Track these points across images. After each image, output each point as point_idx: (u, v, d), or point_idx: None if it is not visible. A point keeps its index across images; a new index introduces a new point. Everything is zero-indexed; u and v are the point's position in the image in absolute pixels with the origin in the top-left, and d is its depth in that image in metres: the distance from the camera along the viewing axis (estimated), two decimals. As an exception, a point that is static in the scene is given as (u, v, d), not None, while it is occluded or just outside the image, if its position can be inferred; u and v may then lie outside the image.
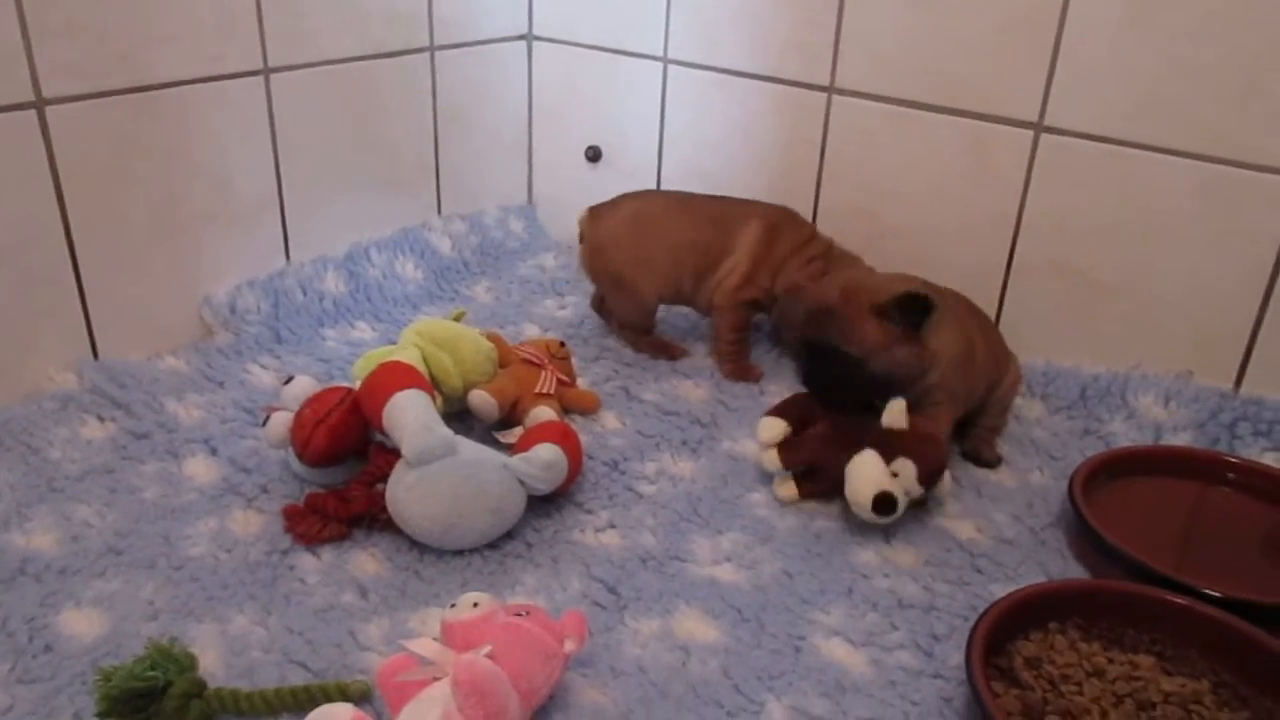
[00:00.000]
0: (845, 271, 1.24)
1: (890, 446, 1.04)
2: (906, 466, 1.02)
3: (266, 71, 1.32)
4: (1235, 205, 1.17)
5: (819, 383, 1.13)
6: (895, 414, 1.07)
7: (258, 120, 1.33)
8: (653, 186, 1.62)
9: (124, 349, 1.26)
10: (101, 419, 1.15)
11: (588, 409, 1.24)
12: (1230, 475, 1.12)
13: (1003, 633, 0.86)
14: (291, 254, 1.43)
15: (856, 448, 1.04)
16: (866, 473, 1.02)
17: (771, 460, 1.09)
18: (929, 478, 1.04)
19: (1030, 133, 1.27)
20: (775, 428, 1.09)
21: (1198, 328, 1.23)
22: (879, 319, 1.07)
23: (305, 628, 0.88)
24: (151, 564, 0.95)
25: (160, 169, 1.24)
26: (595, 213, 1.38)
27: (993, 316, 1.36)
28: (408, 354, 1.13)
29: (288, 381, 1.11)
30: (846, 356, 1.08)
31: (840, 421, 1.09)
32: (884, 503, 1.00)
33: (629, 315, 1.40)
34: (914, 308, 1.07)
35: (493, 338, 1.23)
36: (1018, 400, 1.29)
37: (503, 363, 1.21)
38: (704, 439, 1.21)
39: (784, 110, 1.45)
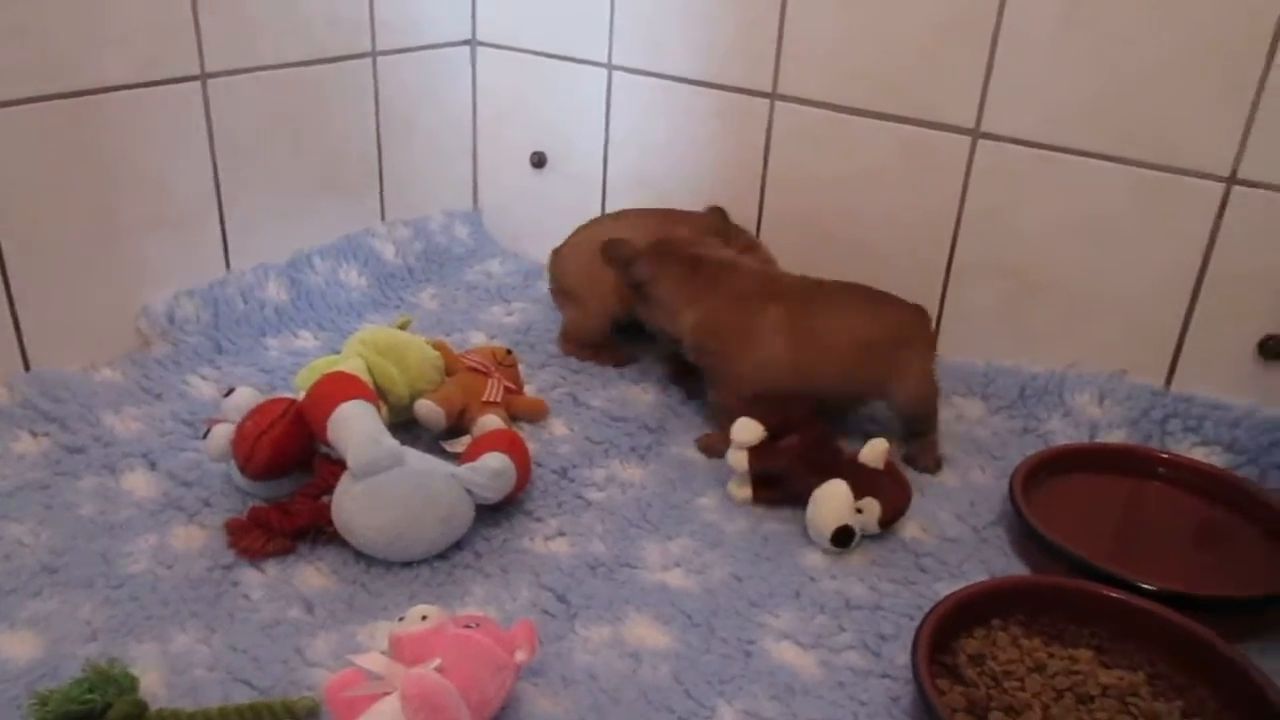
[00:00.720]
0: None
1: (861, 481, 1.05)
2: (873, 506, 1.04)
3: (204, 77, 1.29)
4: (1164, 208, 1.20)
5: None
6: (875, 453, 1.07)
7: (196, 126, 1.31)
8: (597, 192, 1.63)
9: (58, 360, 1.22)
10: (34, 434, 1.12)
11: (536, 416, 1.24)
12: (1162, 470, 1.15)
13: (947, 631, 0.87)
14: (232, 262, 1.40)
15: (826, 473, 1.06)
16: (834, 504, 1.03)
17: (740, 461, 1.09)
18: (889, 522, 1.05)
19: (968, 138, 1.29)
20: (753, 431, 1.08)
21: (1131, 327, 1.27)
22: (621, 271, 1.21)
23: (250, 645, 0.86)
24: (89, 583, 0.92)
25: (95, 175, 1.21)
26: (555, 251, 1.43)
27: (934, 318, 1.38)
28: (352, 363, 1.12)
29: (229, 393, 1.09)
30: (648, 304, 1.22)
31: (815, 441, 1.10)
32: (843, 536, 1.02)
33: (581, 330, 1.40)
34: (615, 260, 1.19)
35: (439, 346, 1.22)
36: (958, 399, 1.32)
37: (449, 371, 1.21)
38: (652, 444, 1.21)
39: (727, 116, 1.46)
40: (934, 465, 1.20)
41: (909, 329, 1.20)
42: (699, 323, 1.19)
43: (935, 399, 1.21)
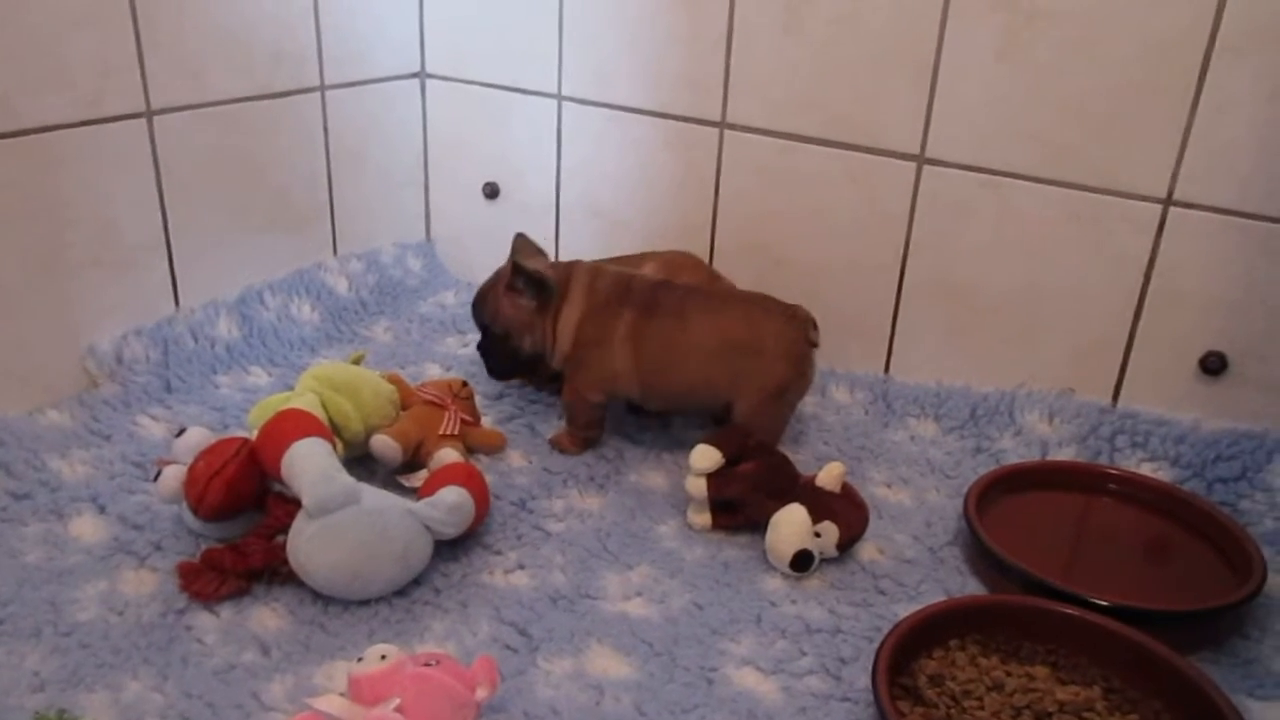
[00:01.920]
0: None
1: (819, 505, 1.06)
2: (830, 530, 1.05)
3: (149, 114, 1.28)
4: (1104, 229, 1.23)
5: (484, 360, 1.30)
6: (832, 476, 1.08)
7: (141, 163, 1.29)
8: (550, 222, 1.63)
9: (2, 404, 1.20)
10: (-22, 480, 1.10)
11: (493, 448, 1.24)
12: (1112, 486, 1.18)
13: (906, 652, 0.88)
14: (181, 299, 1.39)
15: (783, 496, 1.07)
16: (793, 529, 1.04)
17: (699, 489, 1.09)
18: (847, 544, 1.06)
19: (913, 164, 1.32)
20: (710, 457, 1.08)
21: (1077, 346, 1.29)
22: (510, 294, 1.22)
23: (205, 690, 0.85)
24: (36, 632, 0.90)
25: (38, 214, 1.19)
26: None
27: (885, 341, 1.41)
28: (305, 400, 1.11)
29: (180, 433, 1.08)
30: (493, 333, 1.26)
31: (770, 466, 1.11)
32: (802, 560, 1.03)
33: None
34: (530, 282, 1.21)
35: (393, 379, 1.22)
36: (911, 420, 1.34)
37: (404, 404, 1.20)
38: (610, 474, 1.21)
39: (678, 146, 1.48)
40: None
41: (760, 338, 1.17)
42: (575, 331, 1.21)
43: (773, 421, 1.21)
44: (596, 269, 1.25)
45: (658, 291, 1.21)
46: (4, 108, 1.13)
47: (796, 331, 1.18)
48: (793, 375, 1.19)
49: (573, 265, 1.26)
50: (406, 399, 1.20)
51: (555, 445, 1.26)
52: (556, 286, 1.22)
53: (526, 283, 1.21)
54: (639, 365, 1.20)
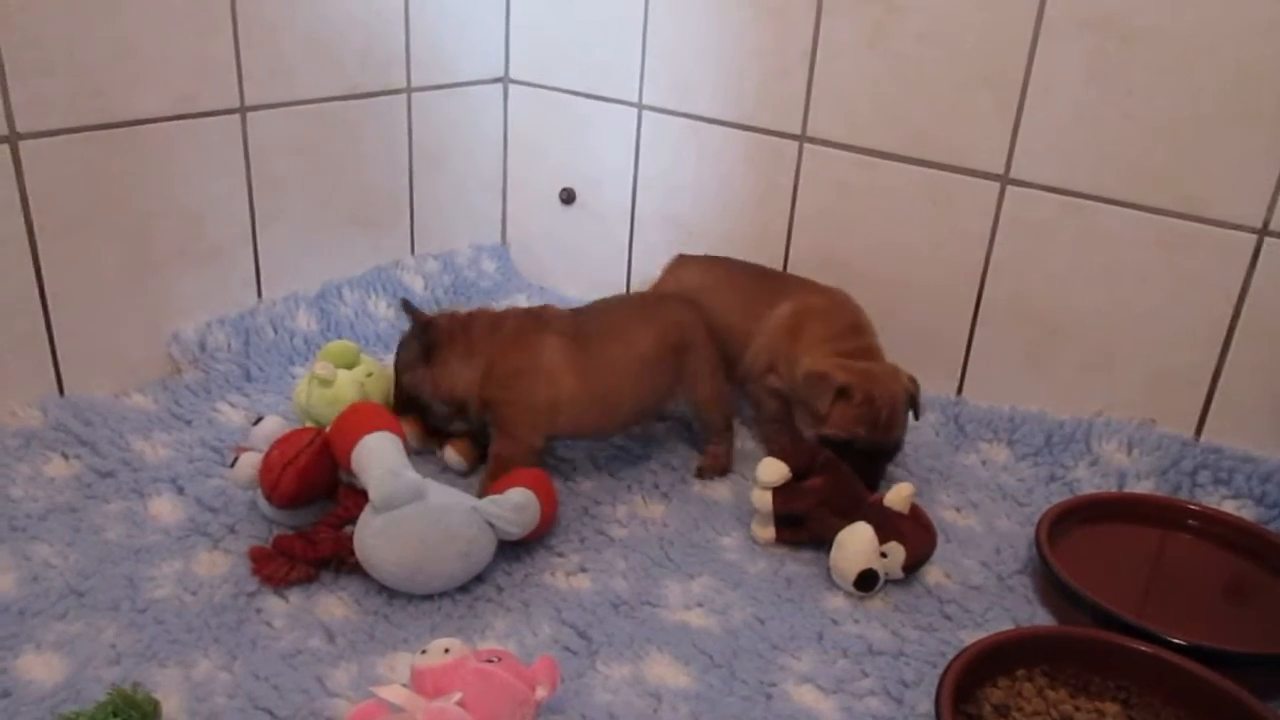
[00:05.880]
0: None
1: (886, 526, 1.04)
2: (897, 551, 1.03)
3: (243, 110, 1.32)
4: (1193, 258, 1.20)
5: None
6: (900, 497, 1.07)
7: (233, 158, 1.33)
8: (625, 230, 1.64)
9: (90, 385, 1.24)
10: (66, 456, 1.13)
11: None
12: (1191, 522, 1.14)
13: (971, 679, 0.86)
14: (264, 291, 1.42)
15: (850, 515, 1.05)
16: (859, 548, 1.02)
17: (764, 502, 1.08)
18: (913, 566, 1.05)
19: (996, 185, 1.30)
20: (777, 471, 1.08)
21: (1160, 376, 1.26)
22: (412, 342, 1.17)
23: (272, 673, 0.86)
24: (114, 606, 0.93)
25: (133, 205, 1.24)
26: (680, 260, 1.42)
27: (959, 362, 1.38)
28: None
29: (257, 422, 1.11)
30: (400, 382, 1.19)
31: (838, 482, 1.10)
32: (866, 580, 1.01)
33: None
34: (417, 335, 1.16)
35: None
36: (983, 444, 1.31)
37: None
38: (675, 482, 1.21)
39: (756, 158, 1.47)
40: (719, 472, 1.21)
41: (686, 330, 1.21)
42: (484, 376, 1.14)
43: (727, 399, 1.24)
44: (499, 316, 1.18)
45: (576, 317, 1.19)
46: (104, 100, 1.18)
47: (698, 315, 1.23)
48: (716, 350, 1.24)
49: (472, 318, 1.17)
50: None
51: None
52: (436, 334, 1.15)
53: (407, 339, 1.17)
54: (587, 391, 1.14)
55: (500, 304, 1.66)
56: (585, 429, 1.18)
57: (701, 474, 1.22)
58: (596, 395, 1.15)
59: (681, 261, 1.41)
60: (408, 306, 1.18)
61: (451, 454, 1.19)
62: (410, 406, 1.19)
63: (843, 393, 1.14)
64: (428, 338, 1.15)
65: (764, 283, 1.34)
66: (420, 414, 1.20)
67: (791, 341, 1.23)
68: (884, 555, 1.03)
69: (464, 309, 1.20)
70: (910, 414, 1.19)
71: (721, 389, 1.24)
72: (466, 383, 1.14)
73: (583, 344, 1.15)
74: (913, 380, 1.19)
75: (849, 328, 1.24)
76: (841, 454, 1.13)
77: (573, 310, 1.22)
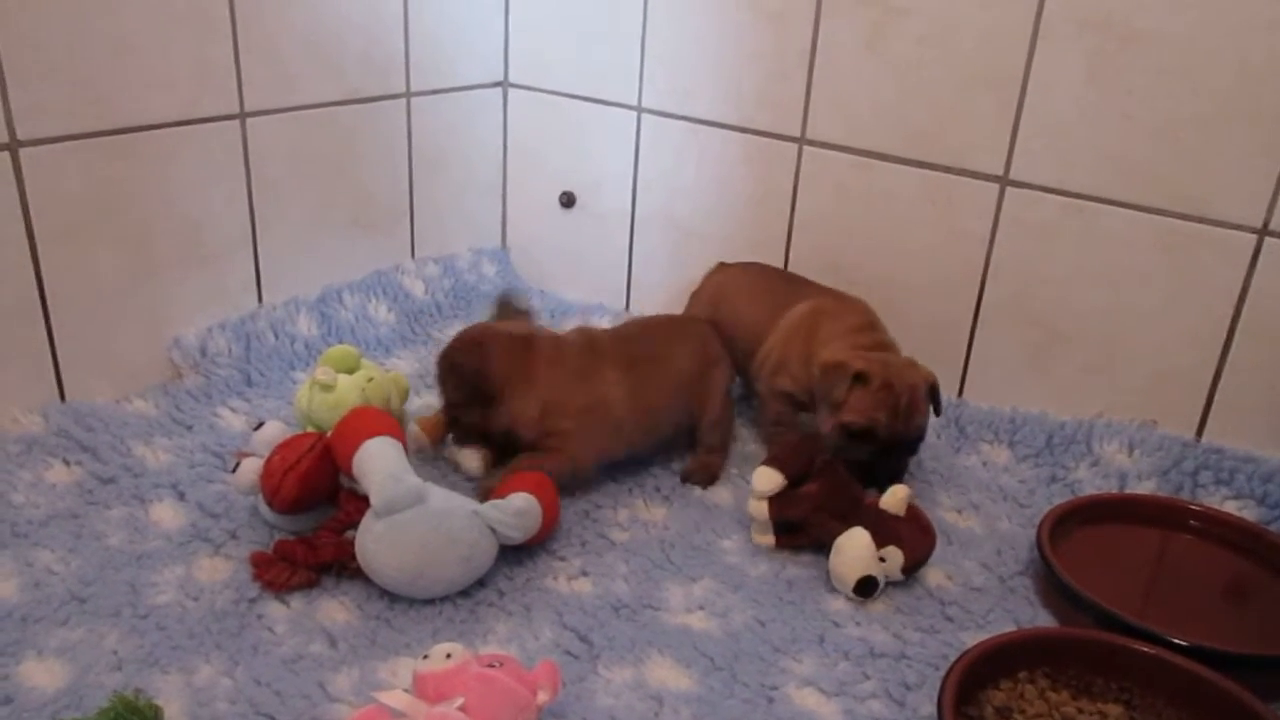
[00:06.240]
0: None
1: (883, 529, 1.04)
2: (896, 555, 1.03)
3: (243, 115, 1.32)
4: (1194, 259, 1.20)
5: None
6: (896, 500, 1.07)
7: (233, 163, 1.33)
8: (625, 233, 1.64)
9: (91, 391, 1.24)
10: (67, 462, 1.13)
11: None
12: (1193, 523, 1.14)
13: (973, 681, 0.86)
14: (264, 296, 1.42)
15: (848, 518, 1.05)
16: (857, 553, 1.02)
17: (760, 511, 1.09)
18: (912, 569, 1.05)
19: (996, 186, 1.30)
20: (772, 480, 1.08)
21: (1161, 377, 1.26)
22: (450, 375, 1.16)
23: (273, 678, 0.86)
24: (116, 612, 0.93)
25: (134, 210, 1.24)
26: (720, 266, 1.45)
27: (960, 364, 1.38)
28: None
29: (258, 427, 1.11)
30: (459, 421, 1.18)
31: (834, 486, 1.10)
32: (866, 586, 1.01)
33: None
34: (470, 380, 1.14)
35: None
36: (984, 445, 1.31)
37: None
38: (676, 486, 1.21)
39: (756, 160, 1.47)
40: (708, 480, 1.21)
41: (712, 346, 1.27)
42: (545, 408, 1.14)
43: (730, 421, 1.28)
44: (560, 341, 1.20)
45: (625, 345, 1.22)
46: (105, 106, 1.18)
47: (714, 330, 1.29)
48: (731, 372, 1.29)
49: (531, 347, 1.17)
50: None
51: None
52: (494, 390, 1.14)
53: (459, 386, 1.15)
54: (636, 417, 1.18)
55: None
56: (633, 450, 1.21)
57: (688, 478, 1.22)
58: (644, 419, 1.19)
59: (721, 267, 1.45)
60: (453, 358, 1.15)
61: (471, 457, 1.17)
62: (470, 437, 1.18)
63: (860, 378, 1.14)
64: (485, 389, 1.14)
65: (789, 286, 1.36)
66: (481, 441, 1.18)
67: (806, 340, 1.24)
68: (882, 560, 1.03)
69: (501, 328, 1.20)
70: (931, 408, 1.18)
71: (728, 410, 1.27)
72: (528, 419, 1.15)
73: (634, 371, 1.19)
74: (932, 375, 1.19)
75: (864, 325, 1.25)
76: (862, 450, 1.14)
77: (616, 335, 1.25)
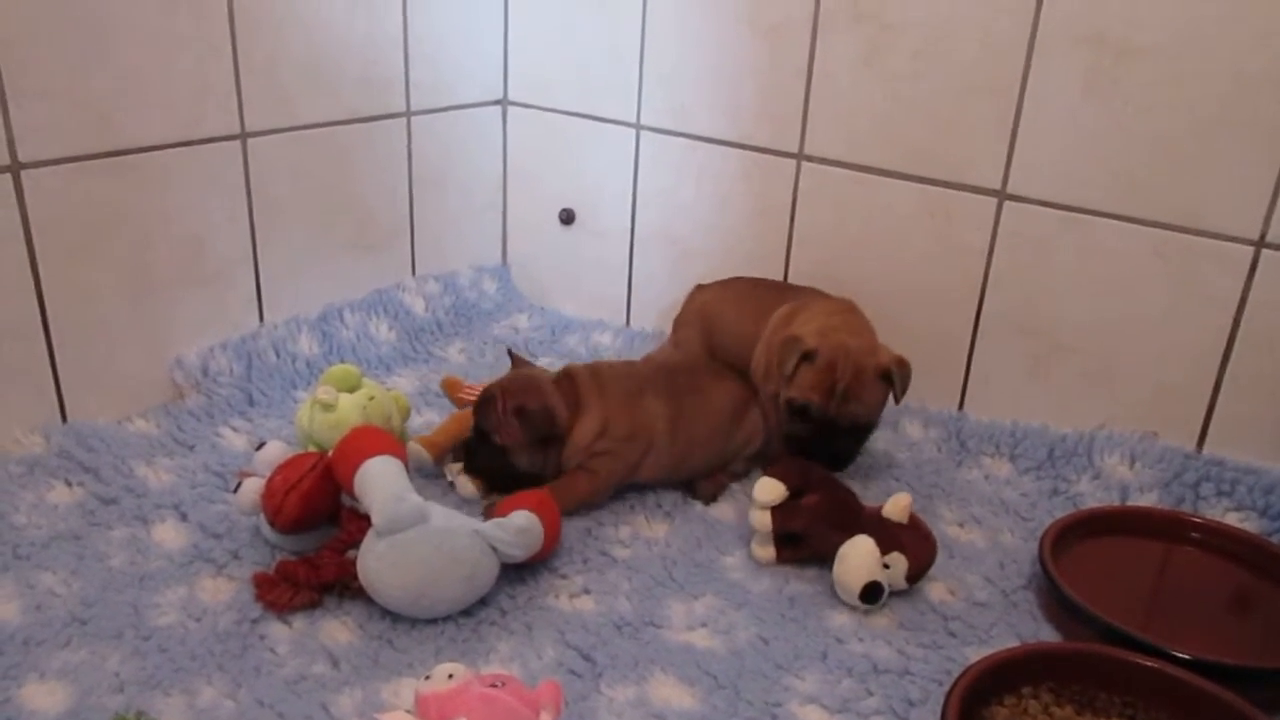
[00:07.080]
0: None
1: (886, 537, 1.04)
2: (900, 562, 1.03)
3: (244, 136, 1.33)
4: (1192, 270, 1.20)
5: (471, 462, 1.18)
6: (898, 507, 1.07)
7: (234, 183, 1.34)
8: (624, 249, 1.64)
9: (93, 411, 1.25)
10: (69, 483, 1.14)
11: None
12: (1195, 535, 1.14)
13: (977, 697, 0.86)
14: (265, 315, 1.43)
15: (849, 529, 1.05)
16: (861, 561, 1.02)
17: (763, 522, 1.09)
18: (916, 575, 1.05)
19: (994, 200, 1.30)
20: (774, 490, 1.08)
21: (1161, 389, 1.26)
22: (519, 420, 1.13)
23: (276, 700, 0.86)
24: (118, 634, 0.93)
25: (135, 231, 1.24)
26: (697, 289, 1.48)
27: (960, 377, 1.38)
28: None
29: (260, 446, 1.11)
30: (493, 444, 1.15)
31: (834, 497, 1.10)
32: (871, 592, 1.01)
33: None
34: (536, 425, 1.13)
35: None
36: (986, 459, 1.31)
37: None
38: (678, 501, 1.21)
39: (754, 176, 1.48)
40: (711, 497, 1.22)
41: (750, 386, 1.27)
42: (593, 437, 1.16)
43: (770, 448, 1.27)
44: (595, 370, 1.21)
45: (670, 377, 1.24)
46: (106, 128, 1.18)
47: (745, 380, 1.29)
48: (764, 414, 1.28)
49: (573, 379, 1.19)
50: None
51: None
52: (562, 427, 1.15)
53: (530, 429, 1.14)
54: (671, 449, 1.20)
55: (502, 325, 1.67)
56: (658, 476, 1.22)
57: (697, 493, 1.22)
58: (680, 451, 1.20)
59: (700, 289, 1.46)
60: (518, 403, 1.13)
61: (467, 485, 1.18)
62: (508, 482, 1.15)
63: (807, 356, 1.16)
64: (554, 427, 1.15)
65: (773, 292, 1.38)
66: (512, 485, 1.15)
67: (783, 330, 1.26)
68: (887, 566, 1.03)
69: (536, 370, 1.22)
70: (890, 397, 1.19)
71: (766, 446, 1.28)
72: (582, 446, 1.17)
73: (676, 404, 1.20)
74: (900, 363, 1.19)
75: (839, 311, 1.27)
76: (803, 428, 1.16)
77: (661, 367, 1.29)
